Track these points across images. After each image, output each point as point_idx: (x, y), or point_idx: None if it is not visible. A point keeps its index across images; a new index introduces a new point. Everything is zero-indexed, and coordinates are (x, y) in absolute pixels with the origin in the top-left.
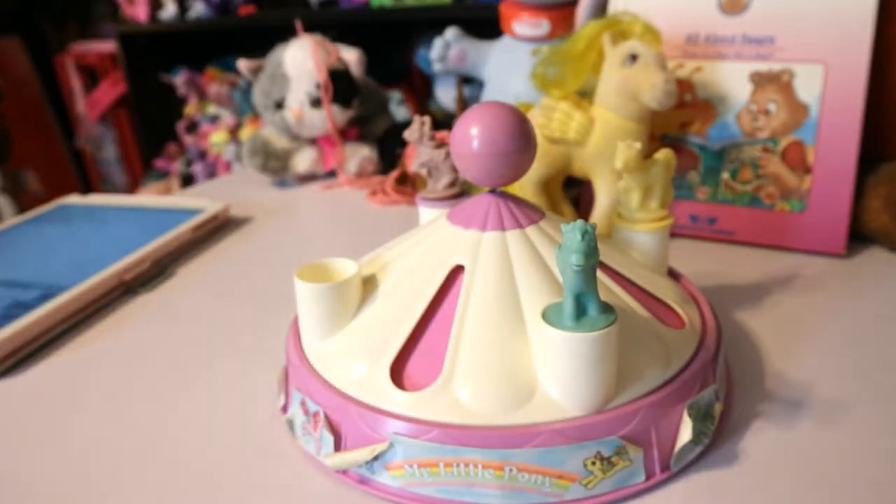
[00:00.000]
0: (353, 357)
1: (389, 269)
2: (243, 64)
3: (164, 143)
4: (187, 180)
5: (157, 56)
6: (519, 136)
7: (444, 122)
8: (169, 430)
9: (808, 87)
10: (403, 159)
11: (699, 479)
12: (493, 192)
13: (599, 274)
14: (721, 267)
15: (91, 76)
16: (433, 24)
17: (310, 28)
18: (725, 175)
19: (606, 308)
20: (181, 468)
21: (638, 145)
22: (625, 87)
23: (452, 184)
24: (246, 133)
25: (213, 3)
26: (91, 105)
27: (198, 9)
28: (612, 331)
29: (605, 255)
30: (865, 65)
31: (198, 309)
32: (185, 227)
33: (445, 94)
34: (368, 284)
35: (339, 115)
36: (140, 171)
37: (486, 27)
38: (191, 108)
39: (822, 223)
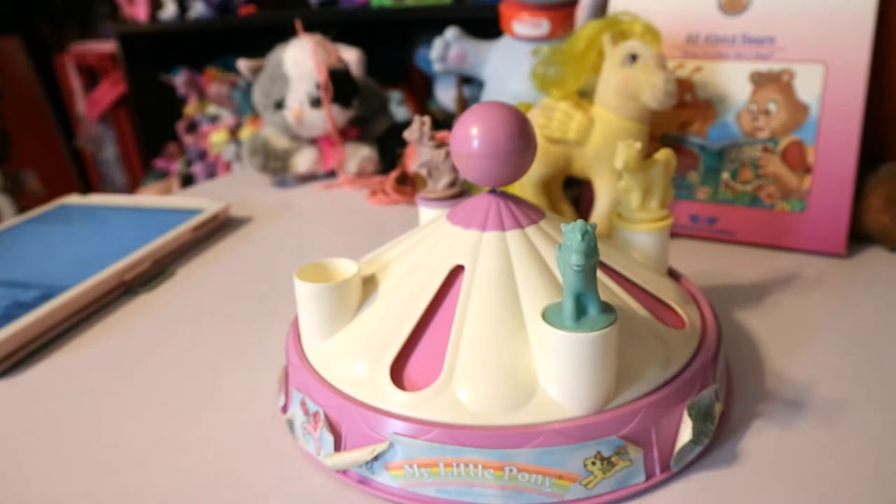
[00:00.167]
0: (353, 357)
1: (389, 269)
2: (243, 64)
3: (164, 143)
4: (187, 180)
5: (157, 56)
6: (519, 136)
7: (444, 122)
8: (169, 430)
9: (808, 87)
10: (403, 159)
11: (699, 479)
12: (493, 192)
13: (599, 274)
14: (721, 267)
15: (91, 76)
16: (433, 24)
17: (310, 28)
18: (725, 175)
19: (606, 308)
20: (181, 468)
21: (638, 145)
22: (625, 87)
23: (452, 184)
24: (246, 133)
25: (213, 3)
26: (91, 105)
27: (198, 9)
28: (612, 331)
29: (605, 255)
30: (865, 65)
31: (198, 309)
32: (185, 227)
33: (445, 94)
34: (368, 284)
35: (339, 115)
36: (140, 171)
37: (486, 27)
38: (191, 108)
39: (822, 223)
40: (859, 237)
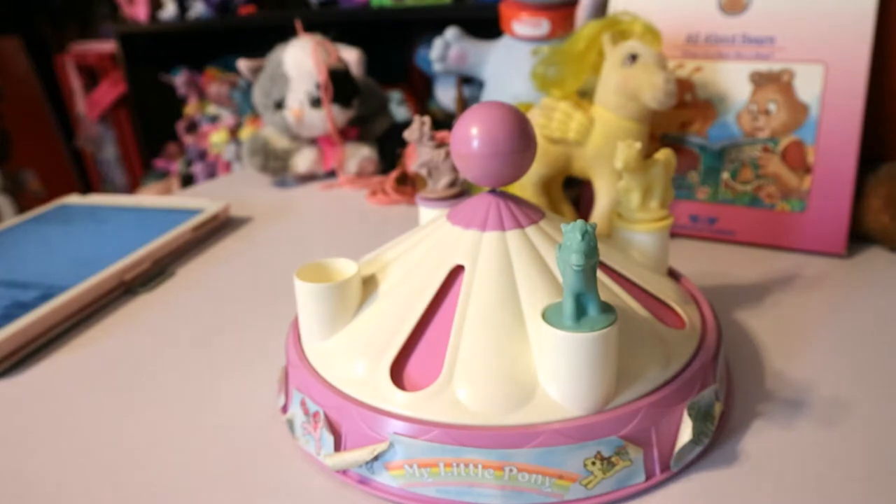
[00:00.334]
0: (353, 357)
1: (389, 269)
2: (243, 64)
3: (164, 143)
4: (187, 180)
5: (157, 56)
6: (519, 136)
7: (444, 122)
8: (169, 429)
9: (808, 87)
10: (403, 159)
11: (699, 479)
12: (493, 192)
13: (599, 274)
14: (721, 267)
15: (91, 76)
16: (433, 24)
17: (310, 28)
18: (725, 175)
19: (606, 308)
20: (181, 468)
21: (638, 145)
22: (625, 87)
23: (452, 184)
24: (246, 133)
25: (213, 3)
26: (91, 105)
27: (198, 9)
28: (612, 331)
29: (605, 255)
30: (865, 65)
31: (198, 309)
32: (185, 227)
33: (445, 94)
34: (368, 284)
35: (339, 115)
36: (140, 171)
37: (486, 27)
38: (191, 108)
39: (822, 223)
40: (859, 237)
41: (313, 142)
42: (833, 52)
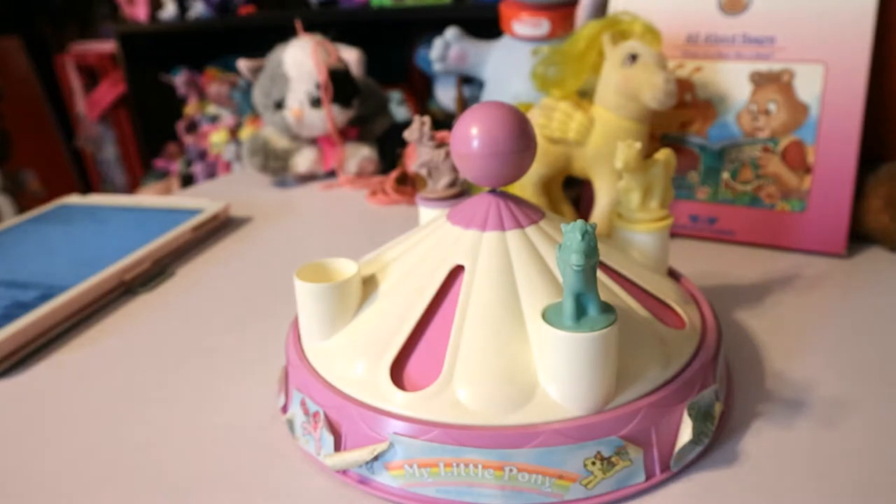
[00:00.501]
0: (353, 357)
1: (389, 269)
2: (243, 64)
3: (164, 143)
4: (187, 180)
5: (157, 56)
6: (519, 136)
7: (444, 122)
8: (169, 429)
9: (808, 87)
10: (403, 159)
11: (699, 479)
12: (493, 192)
13: (599, 274)
14: (721, 267)
15: (91, 76)
16: (433, 24)
17: (310, 28)
18: (725, 175)
19: (606, 308)
20: (181, 468)
21: (638, 145)
22: (625, 87)
23: (452, 184)
24: (246, 133)
25: (213, 3)
26: (91, 105)
27: (198, 9)
28: (612, 331)
29: (605, 255)
30: (865, 65)
31: (198, 309)
32: (185, 227)
33: (445, 94)
34: (368, 284)
35: (339, 115)
36: (140, 171)
37: (486, 27)
38: (191, 108)
39: (822, 223)
40: (859, 237)
41: (313, 142)
42: (833, 52)
